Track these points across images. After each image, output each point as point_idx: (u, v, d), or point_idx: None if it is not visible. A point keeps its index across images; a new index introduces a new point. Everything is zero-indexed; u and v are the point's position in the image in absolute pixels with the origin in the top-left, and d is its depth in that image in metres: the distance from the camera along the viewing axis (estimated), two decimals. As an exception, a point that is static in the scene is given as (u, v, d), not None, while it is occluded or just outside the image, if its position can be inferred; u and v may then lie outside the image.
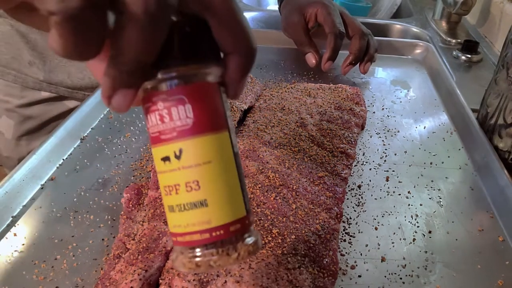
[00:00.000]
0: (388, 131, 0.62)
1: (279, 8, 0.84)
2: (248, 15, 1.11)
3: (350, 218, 0.47)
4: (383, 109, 0.68)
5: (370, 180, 0.52)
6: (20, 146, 0.76)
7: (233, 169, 0.26)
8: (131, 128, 0.60)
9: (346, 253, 0.43)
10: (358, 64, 0.73)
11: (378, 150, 0.58)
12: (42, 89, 0.73)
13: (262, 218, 0.41)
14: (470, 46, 0.88)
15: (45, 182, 0.50)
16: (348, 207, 0.48)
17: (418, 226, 0.46)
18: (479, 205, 0.50)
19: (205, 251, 0.25)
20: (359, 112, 0.62)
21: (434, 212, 0.48)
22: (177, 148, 0.24)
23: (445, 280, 0.41)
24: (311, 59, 0.74)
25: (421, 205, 0.49)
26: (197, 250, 0.25)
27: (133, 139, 0.58)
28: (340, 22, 0.72)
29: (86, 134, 0.58)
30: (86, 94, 0.76)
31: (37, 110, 0.75)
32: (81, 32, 0.21)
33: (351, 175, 0.53)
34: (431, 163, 0.56)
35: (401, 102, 0.70)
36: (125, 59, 0.22)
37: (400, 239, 0.45)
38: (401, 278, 0.41)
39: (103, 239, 0.43)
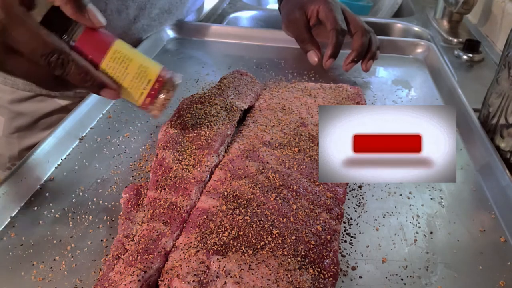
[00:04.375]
0: (389, 131, 0.62)
1: (279, 7, 0.83)
2: (248, 14, 1.11)
3: (351, 218, 0.47)
4: (384, 108, 0.67)
5: (371, 180, 0.52)
6: (11, 144, 0.75)
7: None
8: (130, 128, 0.60)
9: (347, 254, 0.43)
10: (360, 62, 0.73)
11: (379, 150, 0.58)
12: (32, 91, 0.73)
13: (263, 219, 0.41)
14: (471, 46, 0.87)
15: (44, 182, 0.50)
16: (349, 207, 0.48)
17: (419, 227, 0.46)
18: (481, 206, 0.50)
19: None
20: (360, 111, 0.61)
21: (436, 212, 0.48)
22: None
23: (447, 281, 0.40)
24: (313, 57, 0.73)
25: (422, 205, 0.49)
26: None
27: (132, 139, 0.58)
28: (342, 19, 0.71)
29: (84, 134, 0.58)
30: (76, 91, 0.75)
31: (28, 106, 0.74)
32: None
33: (352, 175, 0.52)
34: (432, 163, 0.56)
35: (402, 101, 0.69)
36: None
37: (401, 240, 0.44)
38: (402, 279, 0.40)
39: (102, 240, 0.43)
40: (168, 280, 0.36)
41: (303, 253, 0.39)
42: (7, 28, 0.38)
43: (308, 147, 0.52)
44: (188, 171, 0.47)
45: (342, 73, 0.75)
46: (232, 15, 1.08)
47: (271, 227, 0.40)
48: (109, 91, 0.44)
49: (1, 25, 0.38)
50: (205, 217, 0.42)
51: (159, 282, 0.37)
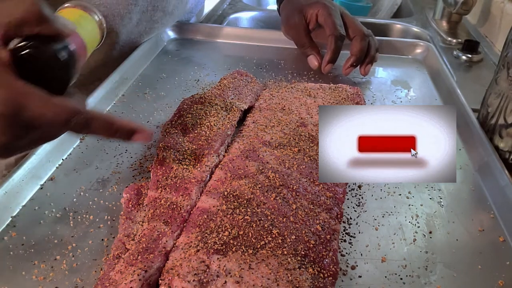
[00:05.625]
0: (388, 131, 0.62)
1: (278, 9, 0.84)
2: (248, 14, 1.11)
3: (351, 218, 0.47)
4: (383, 109, 0.68)
5: (370, 180, 0.52)
6: None
7: None
8: (131, 128, 0.60)
9: (347, 253, 0.43)
10: (358, 66, 0.73)
11: (378, 150, 0.58)
12: None
13: (262, 219, 0.41)
14: (470, 46, 0.88)
15: (45, 182, 0.50)
16: (348, 207, 0.48)
17: (418, 227, 0.46)
18: (480, 205, 0.50)
19: None
20: (360, 112, 0.62)
21: (435, 212, 0.48)
22: None
23: (446, 280, 0.41)
24: (313, 61, 0.74)
25: (421, 205, 0.49)
26: None
27: (133, 139, 0.58)
28: (341, 24, 0.72)
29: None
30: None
31: None
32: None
33: (352, 175, 0.53)
34: (431, 163, 0.56)
35: (401, 102, 0.70)
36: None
37: (401, 239, 0.45)
38: (401, 279, 0.41)
39: (102, 240, 0.43)
40: (169, 279, 0.36)
41: (303, 253, 0.39)
42: (23, 107, 0.36)
43: (307, 147, 0.52)
44: (189, 171, 0.47)
45: (342, 74, 0.76)
46: (232, 16, 1.09)
47: (271, 227, 0.41)
48: (141, 134, 0.42)
49: (17, 105, 0.35)
50: (205, 216, 0.42)
51: (160, 281, 0.37)
